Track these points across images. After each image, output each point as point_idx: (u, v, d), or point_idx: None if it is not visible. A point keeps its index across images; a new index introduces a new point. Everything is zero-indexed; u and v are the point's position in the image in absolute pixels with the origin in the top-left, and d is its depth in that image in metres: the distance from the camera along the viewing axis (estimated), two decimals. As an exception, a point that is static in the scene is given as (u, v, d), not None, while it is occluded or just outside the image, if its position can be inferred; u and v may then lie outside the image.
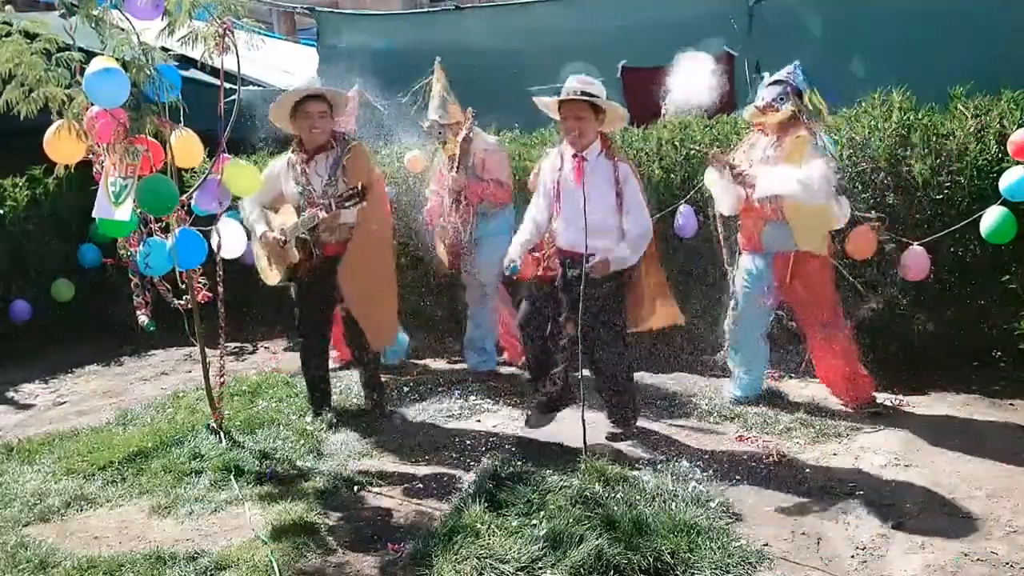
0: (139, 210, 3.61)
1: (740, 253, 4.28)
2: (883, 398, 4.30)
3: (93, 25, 3.44)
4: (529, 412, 4.14)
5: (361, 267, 4.15)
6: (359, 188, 3.92)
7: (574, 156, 3.74)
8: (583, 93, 3.66)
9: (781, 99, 3.93)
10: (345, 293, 4.15)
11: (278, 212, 4.30)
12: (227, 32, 3.56)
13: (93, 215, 3.58)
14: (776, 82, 4.01)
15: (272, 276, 4.38)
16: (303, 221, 4.05)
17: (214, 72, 3.83)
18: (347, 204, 3.96)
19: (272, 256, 4.29)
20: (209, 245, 3.83)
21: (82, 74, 3.42)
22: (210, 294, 4.05)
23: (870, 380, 4.18)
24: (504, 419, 4.39)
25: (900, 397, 4.31)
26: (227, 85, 4.08)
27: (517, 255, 3.90)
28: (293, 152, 4.24)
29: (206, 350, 4.18)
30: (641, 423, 4.16)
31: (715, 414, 4.22)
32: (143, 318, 4.10)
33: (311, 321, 4.37)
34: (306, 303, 4.34)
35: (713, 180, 4.20)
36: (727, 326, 4.35)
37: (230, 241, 4.03)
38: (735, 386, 4.40)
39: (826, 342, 4.09)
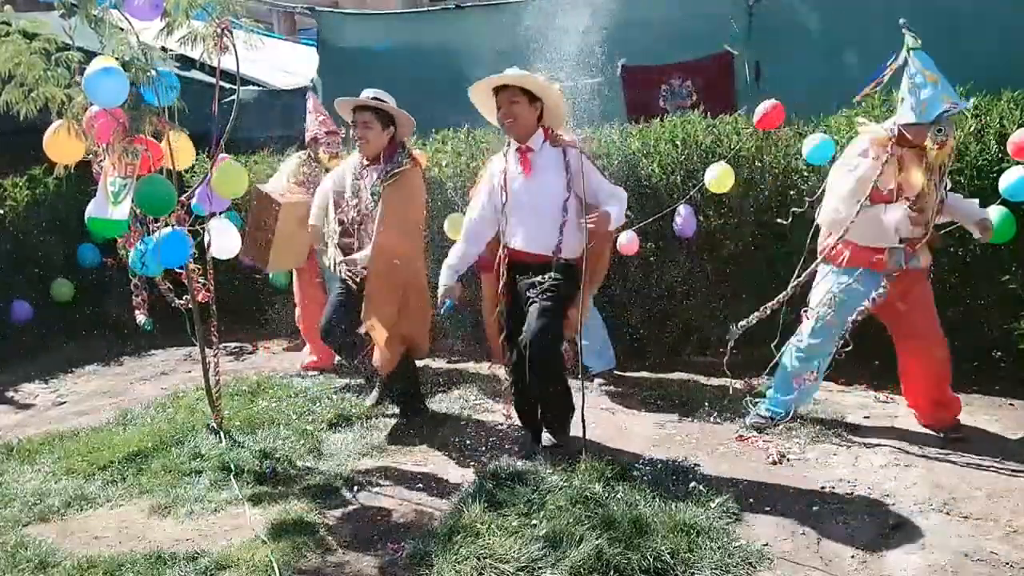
0: (137, 210, 3.61)
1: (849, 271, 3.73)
2: (875, 396, 4.32)
3: (93, 26, 3.43)
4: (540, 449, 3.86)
5: (376, 295, 4.06)
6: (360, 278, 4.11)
7: (518, 150, 3.69)
8: (514, 78, 3.57)
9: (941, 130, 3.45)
10: (365, 319, 4.09)
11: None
12: (225, 32, 3.55)
13: (88, 214, 3.57)
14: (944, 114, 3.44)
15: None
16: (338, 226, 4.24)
17: (214, 72, 3.82)
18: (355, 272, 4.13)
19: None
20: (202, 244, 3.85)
21: (81, 74, 3.42)
22: (210, 293, 4.06)
23: (958, 403, 3.87)
24: (504, 419, 4.38)
25: (893, 397, 4.31)
26: (228, 85, 4.08)
27: (451, 290, 3.76)
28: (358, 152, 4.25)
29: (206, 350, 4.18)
30: (642, 423, 4.17)
31: (715, 414, 4.22)
32: (141, 317, 4.10)
33: (336, 317, 4.28)
34: (338, 300, 4.32)
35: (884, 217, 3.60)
36: (797, 346, 3.89)
37: (222, 241, 4.03)
38: (771, 403, 4.05)
39: (919, 359, 3.78)
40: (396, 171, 4.09)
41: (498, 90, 3.63)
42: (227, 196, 4.08)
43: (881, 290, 3.61)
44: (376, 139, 4.09)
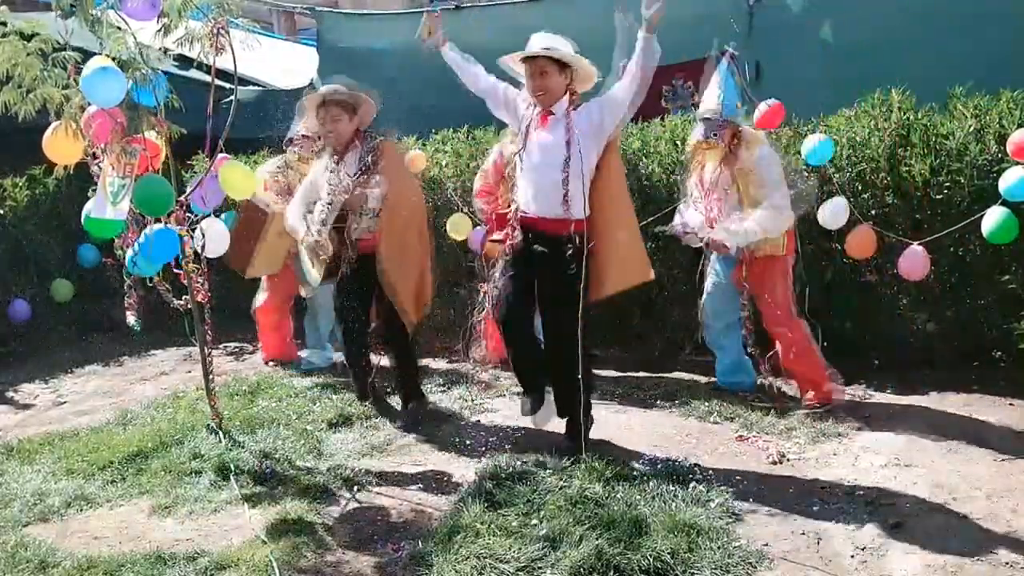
0: (136, 210, 3.60)
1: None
2: (856, 391, 4.37)
3: (91, 27, 3.43)
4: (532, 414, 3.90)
5: (396, 252, 4.20)
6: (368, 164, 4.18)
7: (541, 112, 3.72)
8: (545, 50, 3.61)
9: (714, 134, 4.09)
10: (382, 275, 4.17)
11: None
12: (221, 32, 3.55)
13: (85, 212, 3.56)
14: (704, 119, 4.14)
15: (315, 277, 4.41)
16: (329, 206, 4.18)
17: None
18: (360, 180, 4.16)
19: (311, 255, 4.33)
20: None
21: (78, 74, 3.42)
22: (210, 294, 4.05)
23: (828, 383, 4.19)
24: (504, 418, 4.39)
25: (893, 396, 4.31)
26: (227, 85, 4.08)
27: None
28: (326, 151, 4.38)
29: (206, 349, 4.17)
30: (642, 423, 4.16)
31: (715, 414, 4.22)
32: (131, 318, 4.10)
33: (350, 315, 4.39)
34: (346, 298, 4.37)
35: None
36: (700, 310, 4.52)
37: (213, 241, 4.03)
38: (717, 371, 4.61)
39: (783, 340, 4.19)
40: (376, 144, 4.29)
41: (527, 59, 3.66)
42: (237, 196, 4.10)
43: (720, 265, 4.39)
44: (345, 129, 4.24)
